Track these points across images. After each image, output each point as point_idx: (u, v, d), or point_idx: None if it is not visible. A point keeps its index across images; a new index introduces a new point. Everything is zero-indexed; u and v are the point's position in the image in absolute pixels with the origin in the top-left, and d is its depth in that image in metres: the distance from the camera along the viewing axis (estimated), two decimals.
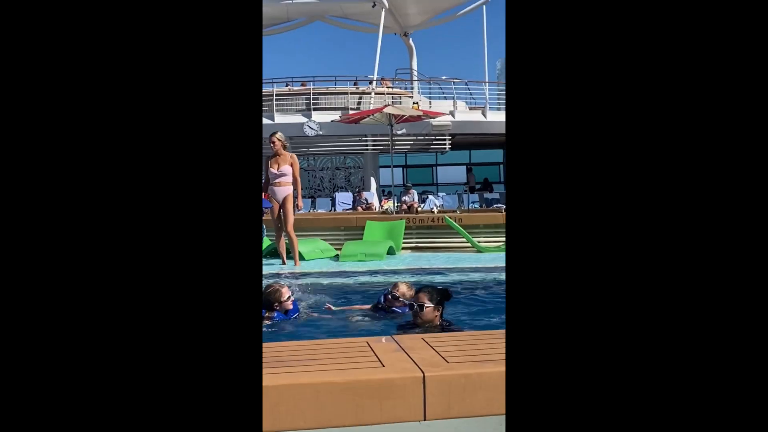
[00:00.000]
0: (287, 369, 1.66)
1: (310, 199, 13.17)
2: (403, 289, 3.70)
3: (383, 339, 1.96)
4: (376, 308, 3.75)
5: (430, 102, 15.10)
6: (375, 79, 14.65)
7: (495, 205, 12.87)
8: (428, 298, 2.97)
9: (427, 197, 13.37)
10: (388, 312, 3.67)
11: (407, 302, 3.63)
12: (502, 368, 1.66)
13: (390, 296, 3.69)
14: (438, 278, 5.42)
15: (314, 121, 13.44)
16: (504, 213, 8.73)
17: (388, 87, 15.12)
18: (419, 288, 3.22)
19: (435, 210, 9.88)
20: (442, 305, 3.00)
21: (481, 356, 1.77)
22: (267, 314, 3.37)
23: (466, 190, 15.46)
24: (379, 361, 1.72)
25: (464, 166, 19.08)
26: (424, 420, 1.59)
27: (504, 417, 1.65)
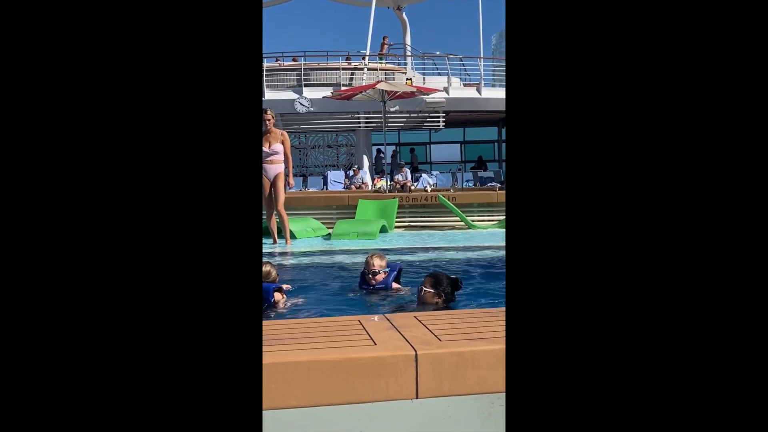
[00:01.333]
0: (278, 347, 1.64)
1: (301, 178, 13.09)
2: (376, 262, 3.68)
3: (375, 317, 1.94)
4: (361, 288, 3.75)
5: (423, 78, 14.96)
6: (368, 54, 14.47)
7: (489, 184, 12.86)
8: (431, 283, 2.93)
9: (421, 176, 13.33)
10: (372, 289, 3.67)
11: (385, 270, 3.63)
12: (495, 346, 1.65)
13: (368, 274, 3.67)
14: (431, 255, 5.43)
15: (305, 98, 13.29)
16: (498, 191, 8.72)
17: (386, 47, 14.89)
18: (429, 272, 3.19)
19: (428, 188, 9.85)
20: (447, 292, 2.93)
21: (473, 334, 1.76)
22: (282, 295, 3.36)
23: (457, 170, 15.43)
24: (371, 339, 1.71)
25: (458, 144, 19.01)
26: (417, 398, 1.59)
27: (496, 395, 1.65)
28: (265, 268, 3.47)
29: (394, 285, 3.64)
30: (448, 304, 2.94)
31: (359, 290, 3.73)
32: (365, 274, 3.70)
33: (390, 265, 3.75)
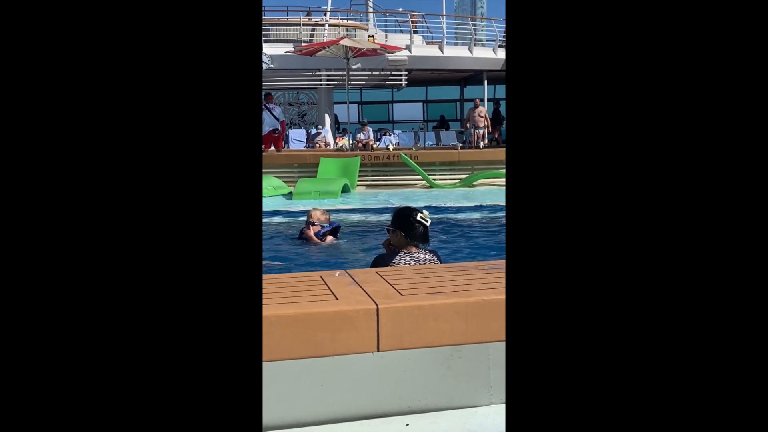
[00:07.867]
0: None
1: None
2: (318, 215, 3.98)
3: (336, 273, 1.95)
4: (301, 238, 3.95)
5: (386, 35, 14.70)
6: (329, 10, 14.09)
7: (451, 143, 12.90)
8: (391, 221, 2.69)
9: (386, 134, 13.25)
10: (311, 239, 3.90)
11: (326, 226, 3.90)
12: (454, 300, 1.68)
13: (309, 224, 3.92)
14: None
15: (266, 54, 12.90)
16: (459, 150, 8.77)
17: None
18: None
19: (391, 147, 9.81)
20: (401, 227, 2.67)
21: (434, 288, 1.78)
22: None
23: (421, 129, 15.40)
24: (333, 294, 1.71)
25: (421, 103, 18.91)
26: (378, 351, 1.61)
27: (455, 347, 1.69)
28: None
29: (328, 238, 3.91)
30: (414, 240, 2.67)
31: (297, 240, 3.97)
32: (306, 224, 4.00)
33: (330, 222, 4.01)
